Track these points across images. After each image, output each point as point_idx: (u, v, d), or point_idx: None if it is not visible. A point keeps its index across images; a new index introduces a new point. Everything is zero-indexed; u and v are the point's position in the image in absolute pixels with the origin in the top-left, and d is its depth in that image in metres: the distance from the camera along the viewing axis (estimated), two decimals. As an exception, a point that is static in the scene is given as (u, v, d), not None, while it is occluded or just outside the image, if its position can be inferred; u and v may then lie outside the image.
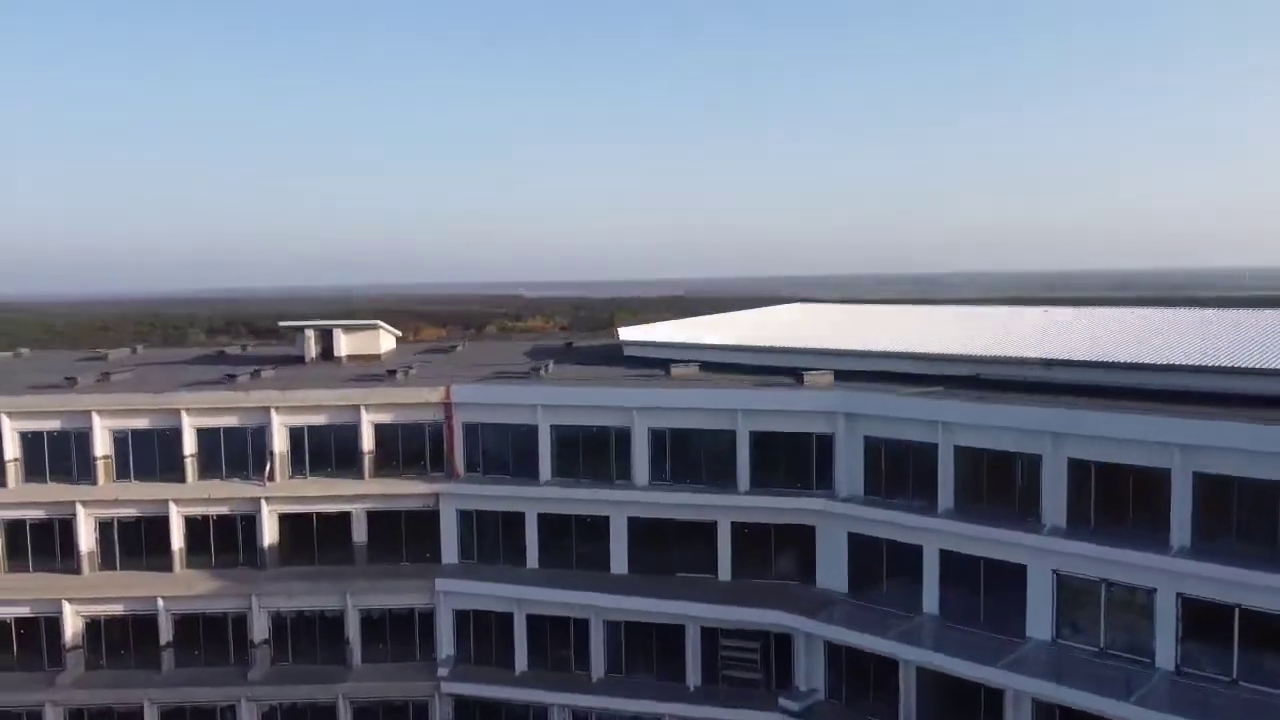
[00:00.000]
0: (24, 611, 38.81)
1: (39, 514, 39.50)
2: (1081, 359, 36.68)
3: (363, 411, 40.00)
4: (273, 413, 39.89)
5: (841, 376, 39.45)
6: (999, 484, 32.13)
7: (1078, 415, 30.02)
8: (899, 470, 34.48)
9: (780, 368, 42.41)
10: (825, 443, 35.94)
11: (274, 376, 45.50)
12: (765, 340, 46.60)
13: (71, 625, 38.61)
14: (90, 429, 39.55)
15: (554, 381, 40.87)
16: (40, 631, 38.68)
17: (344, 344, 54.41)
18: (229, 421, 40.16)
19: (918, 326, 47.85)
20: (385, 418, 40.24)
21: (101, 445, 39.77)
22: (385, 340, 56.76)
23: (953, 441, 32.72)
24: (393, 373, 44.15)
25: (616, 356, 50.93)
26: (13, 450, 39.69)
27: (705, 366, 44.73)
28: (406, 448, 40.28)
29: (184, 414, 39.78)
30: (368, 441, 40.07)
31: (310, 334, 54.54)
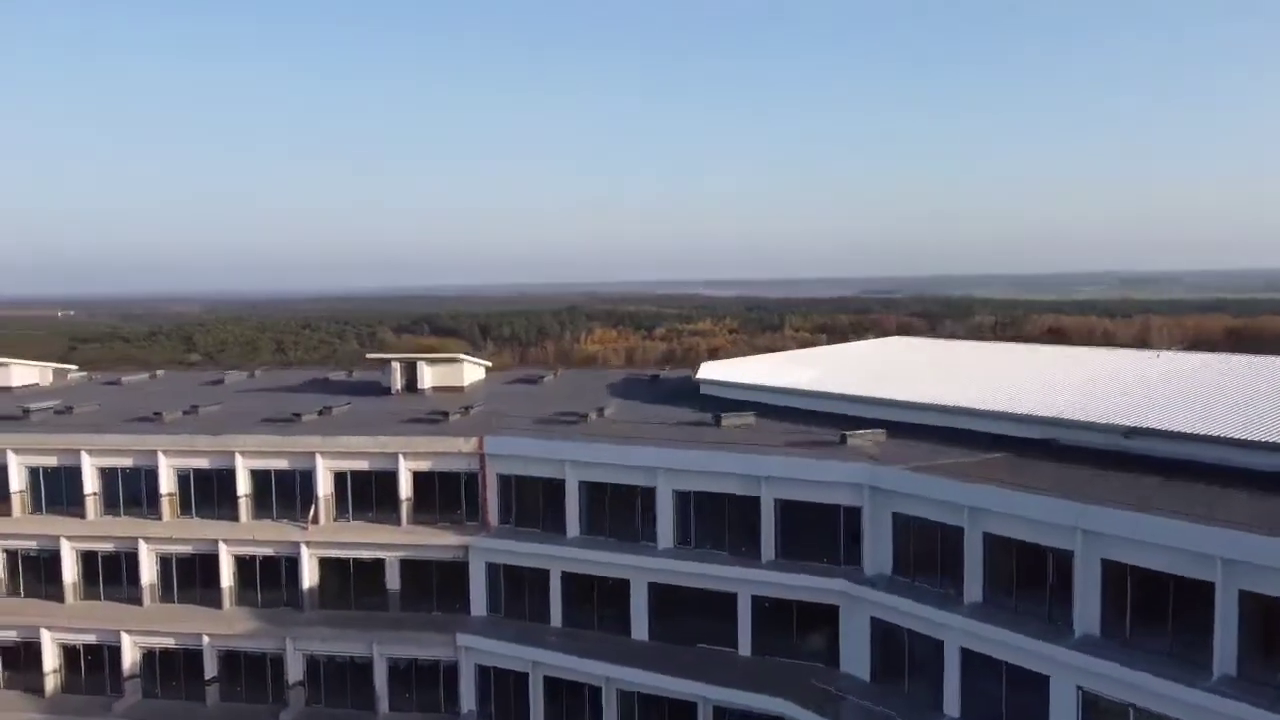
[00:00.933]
0: (90, 639, 41.42)
1: (109, 547, 42.00)
2: (1165, 429, 32.11)
3: (401, 459, 40.23)
4: (318, 457, 40.77)
5: (905, 432, 36.63)
6: (1029, 578, 28.50)
7: (1107, 513, 26.10)
8: (928, 552, 31.27)
9: (844, 416, 39.94)
10: (854, 516, 33.13)
11: (345, 412, 46.69)
12: (836, 386, 43.72)
13: (130, 655, 40.87)
14: (157, 467, 41.71)
15: (587, 435, 39.70)
16: (104, 659, 41.16)
17: (428, 376, 55.38)
18: (279, 464, 41.34)
19: (1010, 372, 43.58)
20: (423, 465, 40.30)
21: (166, 483, 41.89)
22: (471, 372, 57.32)
23: (982, 528, 29.29)
24: (444, 415, 44.24)
25: (694, 394, 49.31)
26: (91, 485, 42.41)
27: (770, 411, 42.70)
28: (443, 496, 40.21)
29: (238, 455, 41.28)
30: (405, 489, 40.30)
31: (396, 366, 55.80)
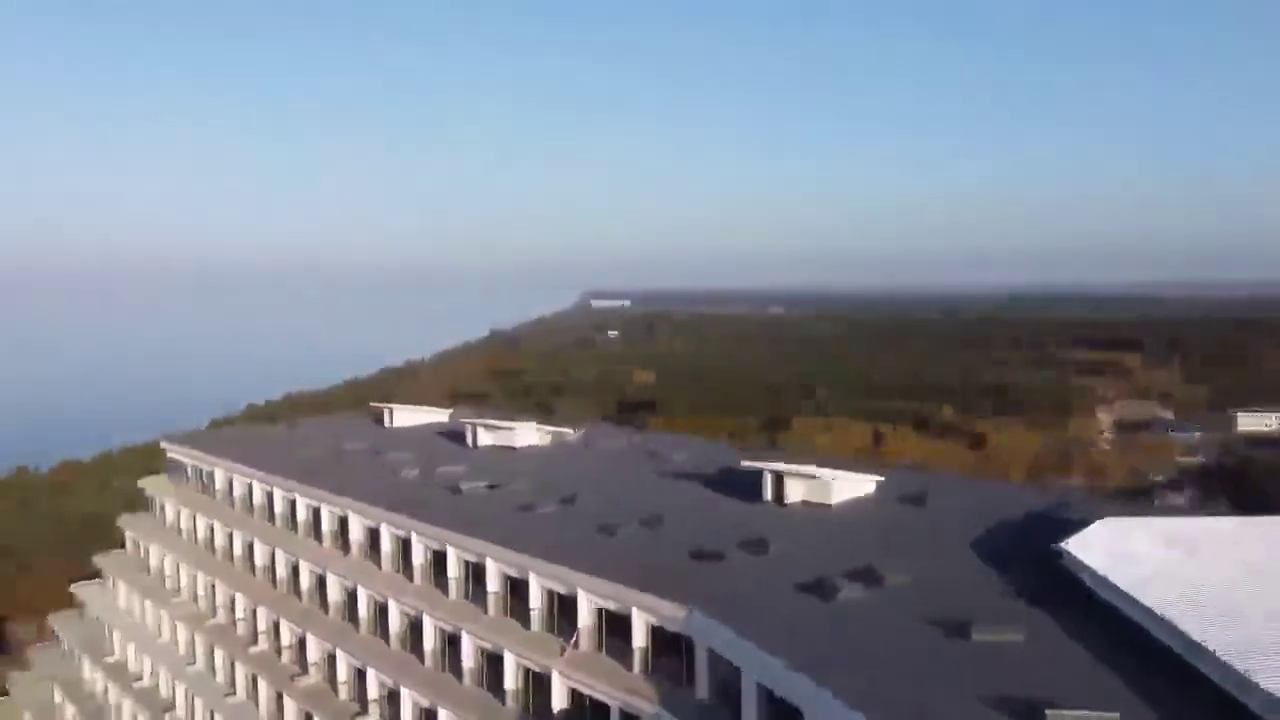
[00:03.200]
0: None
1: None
2: None
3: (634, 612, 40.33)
4: (579, 590, 42.88)
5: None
6: None
7: None
8: None
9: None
10: None
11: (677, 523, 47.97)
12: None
13: None
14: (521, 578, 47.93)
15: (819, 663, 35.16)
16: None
17: (795, 490, 53.48)
18: (558, 587, 44.45)
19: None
20: (652, 620, 39.85)
21: (493, 581, 47.89)
22: (847, 487, 53.57)
23: None
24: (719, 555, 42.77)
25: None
26: (494, 585, 50.08)
27: None
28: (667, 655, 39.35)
29: (533, 575, 45.38)
30: (640, 637, 40.31)
31: (768, 475, 54.80)
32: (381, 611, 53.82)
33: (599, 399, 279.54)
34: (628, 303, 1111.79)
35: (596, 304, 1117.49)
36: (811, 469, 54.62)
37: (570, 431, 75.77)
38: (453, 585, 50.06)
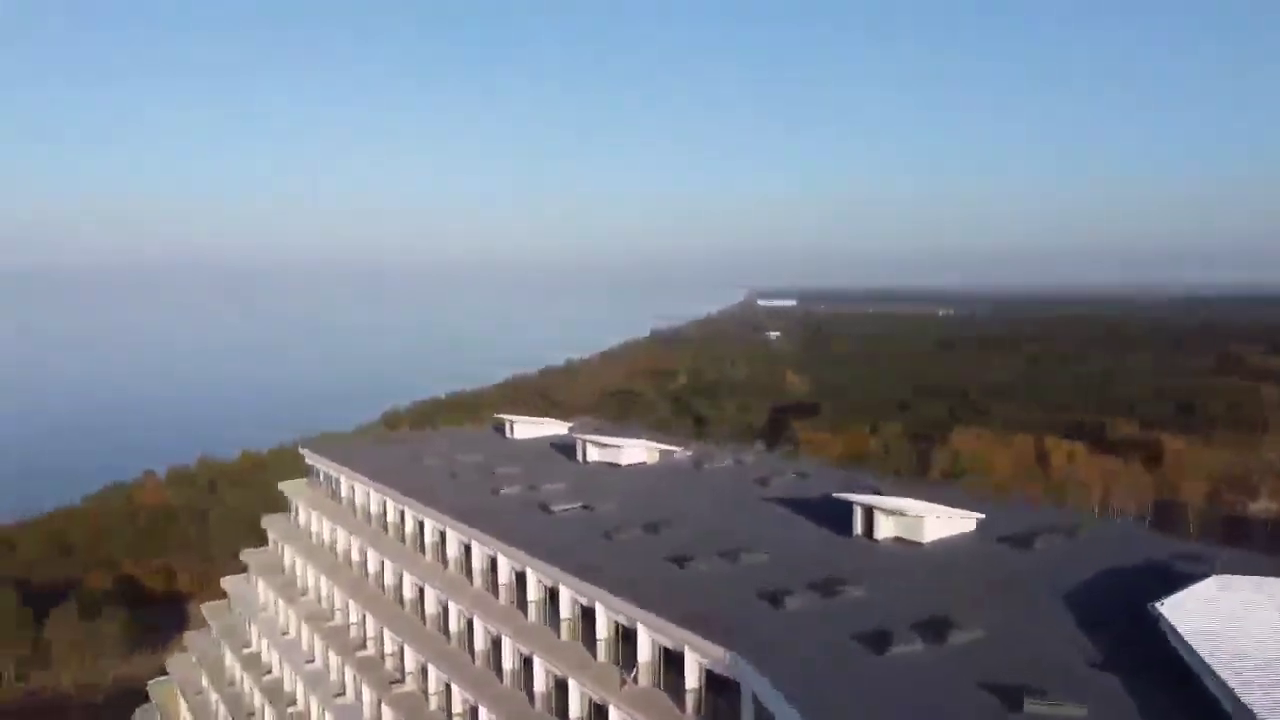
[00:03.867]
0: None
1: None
2: None
3: (687, 652, 39.60)
4: (639, 627, 42.49)
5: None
6: None
7: None
8: None
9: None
10: None
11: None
12: None
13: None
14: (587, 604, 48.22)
15: None
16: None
17: (886, 526, 51.35)
18: (620, 620, 44.21)
19: None
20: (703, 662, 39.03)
21: (567, 609, 48.15)
22: (943, 525, 50.91)
23: None
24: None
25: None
26: (566, 612, 50.84)
27: None
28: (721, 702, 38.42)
29: (599, 606, 45.35)
30: (692, 678, 39.55)
31: (858, 510, 52.79)
32: (469, 627, 55.04)
33: (751, 402, 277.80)
34: (793, 302, 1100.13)
35: (762, 303, 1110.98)
36: (906, 503, 52.29)
37: (678, 450, 75.32)
38: (532, 608, 50.65)
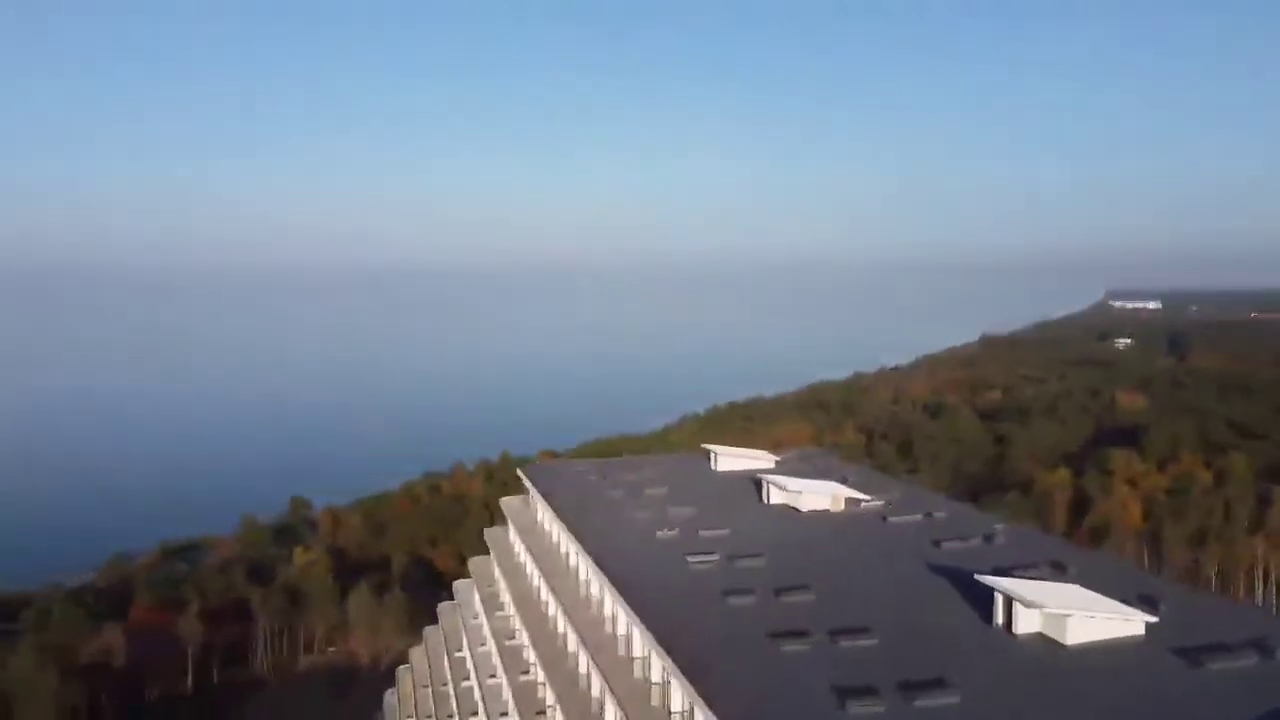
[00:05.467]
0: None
1: None
2: None
3: None
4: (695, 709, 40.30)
5: None
6: None
7: None
8: None
9: None
10: None
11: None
12: None
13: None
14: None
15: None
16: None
17: (1028, 619, 44.92)
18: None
19: None
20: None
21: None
22: (1098, 626, 43.52)
23: None
24: None
25: None
26: (639, 650, 49.81)
27: None
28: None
29: None
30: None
31: (999, 596, 46.49)
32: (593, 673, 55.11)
33: (1070, 421, 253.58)
34: (1156, 304, 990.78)
35: (1117, 305, 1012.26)
36: (1056, 591, 45.46)
37: (868, 499, 70.55)
38: (636, 665, 49.78)
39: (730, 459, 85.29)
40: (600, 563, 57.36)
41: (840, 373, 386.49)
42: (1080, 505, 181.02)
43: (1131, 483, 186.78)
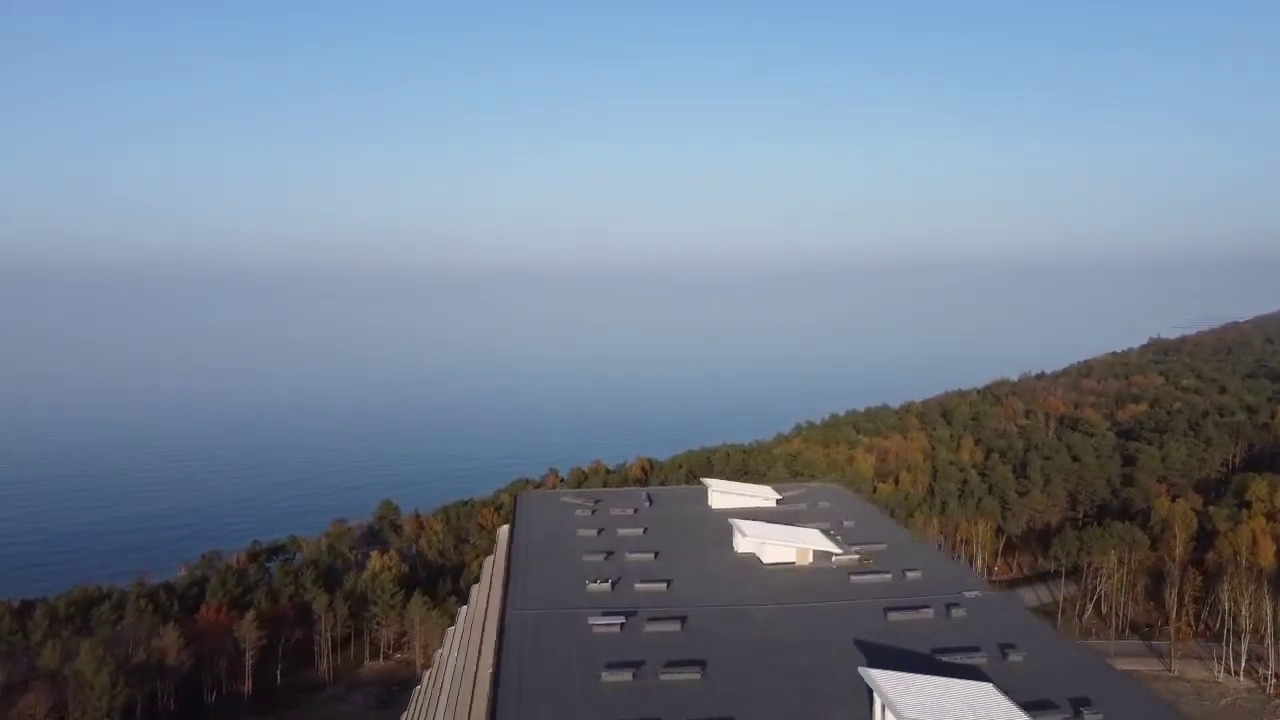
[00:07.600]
0: None
1: None
2: None
3: None
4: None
5: None
6: None
7: None
8: None
9: None
10: None
11: None
12: None
13: None
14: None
15: None
16: None
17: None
18: None
19: None
20: None
21: None
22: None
23: None
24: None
25: None
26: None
27: None
28: None
29: None
30: None
31: (877, 701, 40.50)
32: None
33: (1218, 442, 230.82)
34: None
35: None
36: (950, 695, 39.26)
37: (840, 552, 64.35)
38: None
39: (725, 496, 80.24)
40: (503, 618, 54.27)
41: (981, 380, 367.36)
42: (1207, 537, 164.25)
43: (1271, 516, 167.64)
